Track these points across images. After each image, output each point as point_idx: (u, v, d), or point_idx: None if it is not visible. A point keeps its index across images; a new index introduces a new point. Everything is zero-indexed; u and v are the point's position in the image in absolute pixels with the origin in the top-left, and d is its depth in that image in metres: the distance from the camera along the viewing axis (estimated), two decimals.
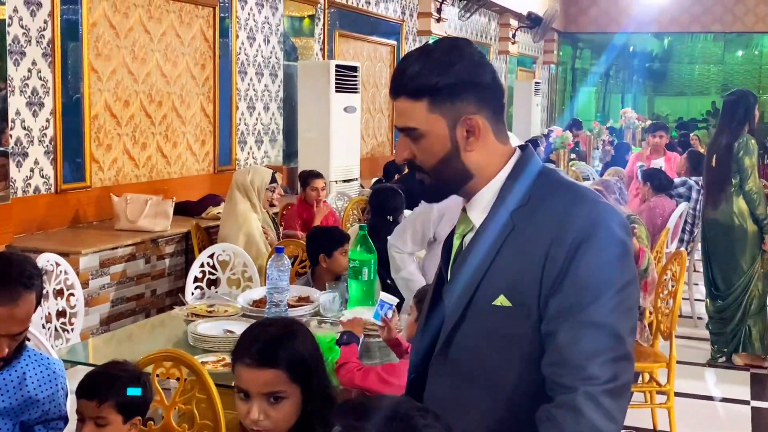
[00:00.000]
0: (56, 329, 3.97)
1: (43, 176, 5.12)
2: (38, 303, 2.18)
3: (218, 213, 5.80)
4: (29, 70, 4.95)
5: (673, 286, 4.43)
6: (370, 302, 3.60)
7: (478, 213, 1.63)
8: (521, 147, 1.67)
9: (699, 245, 7.42)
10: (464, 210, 1.68)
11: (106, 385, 2.14)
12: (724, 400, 5.22)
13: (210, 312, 3.48)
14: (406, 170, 7.23)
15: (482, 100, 1.59)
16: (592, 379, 1.44)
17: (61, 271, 4.02)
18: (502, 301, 1.53)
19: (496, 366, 1.55)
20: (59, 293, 4.00)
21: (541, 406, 1.49)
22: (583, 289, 1.47)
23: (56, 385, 2.29)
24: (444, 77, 1.55)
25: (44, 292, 2.35)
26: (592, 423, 1.43)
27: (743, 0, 16.95)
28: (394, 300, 3.05)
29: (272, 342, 1.89)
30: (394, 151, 10.28)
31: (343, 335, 2.86)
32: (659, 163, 7.79)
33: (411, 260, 4.14)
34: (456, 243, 1.69)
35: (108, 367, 2.21)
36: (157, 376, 2.54)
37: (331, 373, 2.84)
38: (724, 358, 5.83)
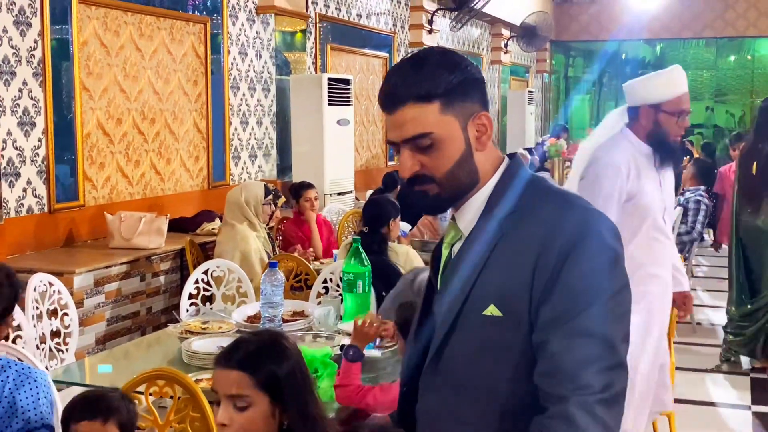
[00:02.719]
0: (51, 349, 3.95)
1: (36, 196, 5.10)
2: (11, 307, 2.21)
3: (213, 229, 5.78)
4: (20, 90, 4.94)
5: None
6: (365, 314, 3.58)
7: (467, 221, 1.62)
8: (509, 155, 1.66)
9: (696, 250, 7.43)
10: (453, 218, 1.67)
11: (105, 404, 2.15)
12: (725, 405, 5.20)
13: (204, 329, 3.46)
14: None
15: (483, 98, 1.60)
16: (585, 389, 1.42)
17: (54, 291, 3.99)
18: (492, 310, 1.51)
19: (487, 377, 1.53)
20: (53, 313, 3.98)
21: (534, 417, 1.47)
22: (573, 296, 1.45)
23: (37, 393, 2.30)
24: (456, 75, 1.54)
25: (18, 297, 2.39)
26: None
27: (733, 5, 17.00)
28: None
29: (248, 347, 1.92)
30: (388, 163, 10.27)
31: (349, 350, 2.80)
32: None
33: None
34: (445, 252, 1.67)
35: (92, 392, 2.21)
36: (151, 395, 2.52)
37: (329, 388, 2.82)
38: (732, 360, 5.79)
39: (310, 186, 5.88)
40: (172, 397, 2.51)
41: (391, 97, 1.56)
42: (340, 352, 3.01)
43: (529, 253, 1.49)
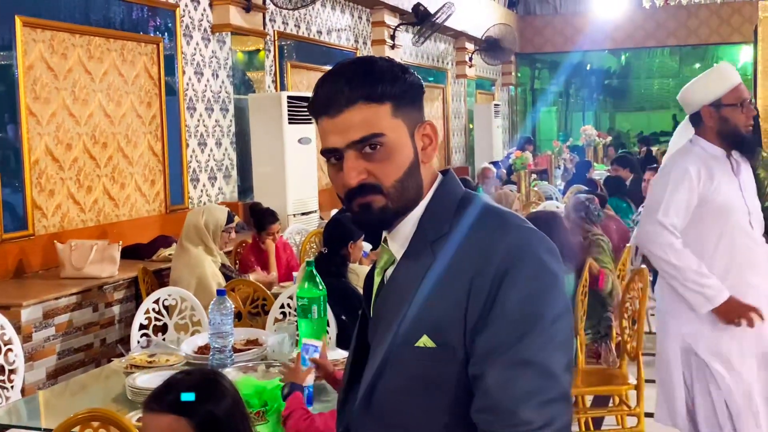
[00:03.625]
0: None
1: None
2: None
3: (169, 255, 5.61)
4: None
5: (638, 305, 4.31)
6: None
7: (398, 244, 1.49)
8: (442, 172, 1.53)
9: None
10: (385, 241, 1.53)
11: None
12: None
13: (151, 362, 3.29)
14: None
15: (422, 109, 1.50)
16: (525, 425, 1.29)
17: None
18: (425, 341, 1.38)
19: (422, 415, 1.40)
20: None
21: None
22: (510, 324, 1.33)
23: None
24: (407, 78, 1.44)
25: None
26: None
27: (695, 13, 17.13)
28: (318, 343, 2.89)
29: (182, 388, 1.79)
30: None
31: (284, 389, 2.69)
32: None
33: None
34: (377, 279, 1.54)
35: None
36: None
37: (277, 424, 2.68)
38: None
39: (274, 220, 5.69)
40: None
41: (337, 97, 1.41)
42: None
43: (463, 279, 1.36)
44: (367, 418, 1.47)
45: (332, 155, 1.45)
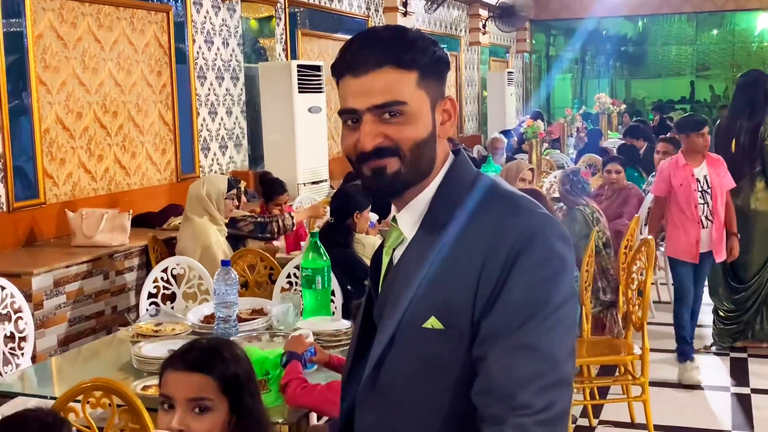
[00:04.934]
0: (4, 354, 3.82)
1: None
2: None
3: (179, 224, 5.64)
4: None
5: (643, 275, 4.32)
6: (325, 312, 3.48)
7: (409, 224, 1.49)
8: (454, 152, 1.53)
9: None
10: (394, 219, 1.53)
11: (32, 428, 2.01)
12: (704, 387, 5.12)
13: (157, 331, 3.33)
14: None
15: (445, 84, 1.49)
16: (523, 409, 1.30)
17: (6, 295, 3.87)
18: (433, 323, 1.39)
19: (427, 395, 1.41)
20: (6, 318, 3.85)
21: None
22: (515, 308, 1.33)
23: None
24: (436, 50, 1.44)
25: None
26: None
27: None
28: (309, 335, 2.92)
29: (206, 350, 1.87)
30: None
31: (283, 357, 2.75)
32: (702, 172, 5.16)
33: None
34: (385, 258, 1.54)
35: (19, 415, 2.07)
36: (88, 403, 2.40)
37: (278, 392, 2.73)
38: (724, 345, 5.69)
39: (282, 191, 5.70)
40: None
41: (365, 58, 1.40)
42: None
43: (473, 262, 1.37)
44: (372, 396, 1.48)
45: (350, 117, 1.44)
